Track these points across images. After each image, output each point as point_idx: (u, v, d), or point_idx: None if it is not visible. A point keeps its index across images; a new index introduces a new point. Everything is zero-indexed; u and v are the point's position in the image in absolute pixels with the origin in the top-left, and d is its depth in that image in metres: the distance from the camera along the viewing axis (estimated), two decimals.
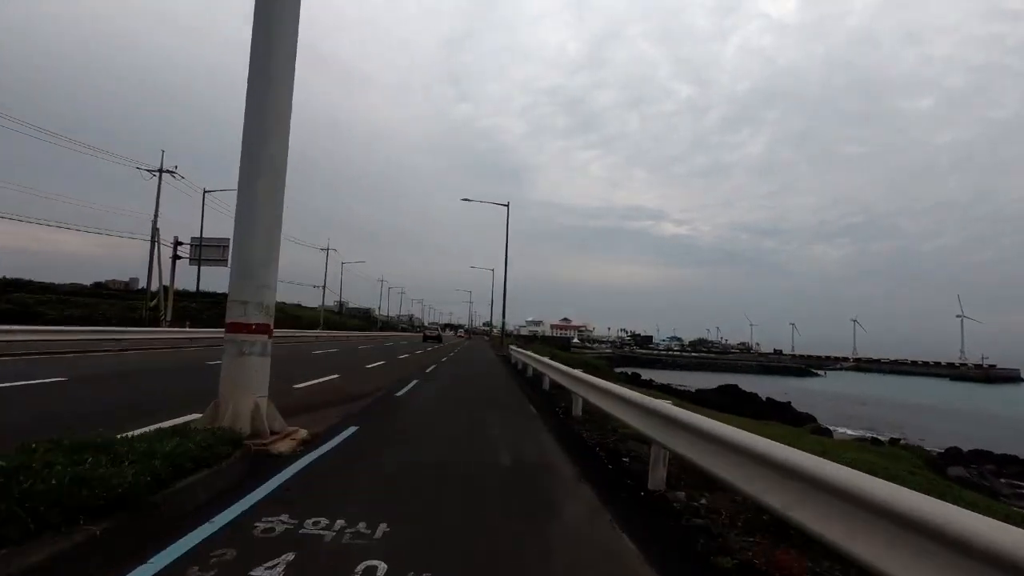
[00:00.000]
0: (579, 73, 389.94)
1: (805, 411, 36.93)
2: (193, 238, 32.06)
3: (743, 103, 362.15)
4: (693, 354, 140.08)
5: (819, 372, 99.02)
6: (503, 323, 36.99)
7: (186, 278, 36.24)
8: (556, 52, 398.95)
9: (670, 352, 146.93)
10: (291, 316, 56.29)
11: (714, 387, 52.29)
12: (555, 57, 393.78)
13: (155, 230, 31.20)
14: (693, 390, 51.66)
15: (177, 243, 31.61)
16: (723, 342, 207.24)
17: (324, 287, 61.16)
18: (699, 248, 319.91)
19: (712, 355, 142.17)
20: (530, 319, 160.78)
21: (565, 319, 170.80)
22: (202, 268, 34.20)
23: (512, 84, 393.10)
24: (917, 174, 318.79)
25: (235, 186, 6.15)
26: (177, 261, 32.11)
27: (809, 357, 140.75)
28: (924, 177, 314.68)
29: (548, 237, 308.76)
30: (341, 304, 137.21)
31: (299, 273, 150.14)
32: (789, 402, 37.94)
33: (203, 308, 40.81)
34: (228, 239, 32.98)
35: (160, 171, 31.57)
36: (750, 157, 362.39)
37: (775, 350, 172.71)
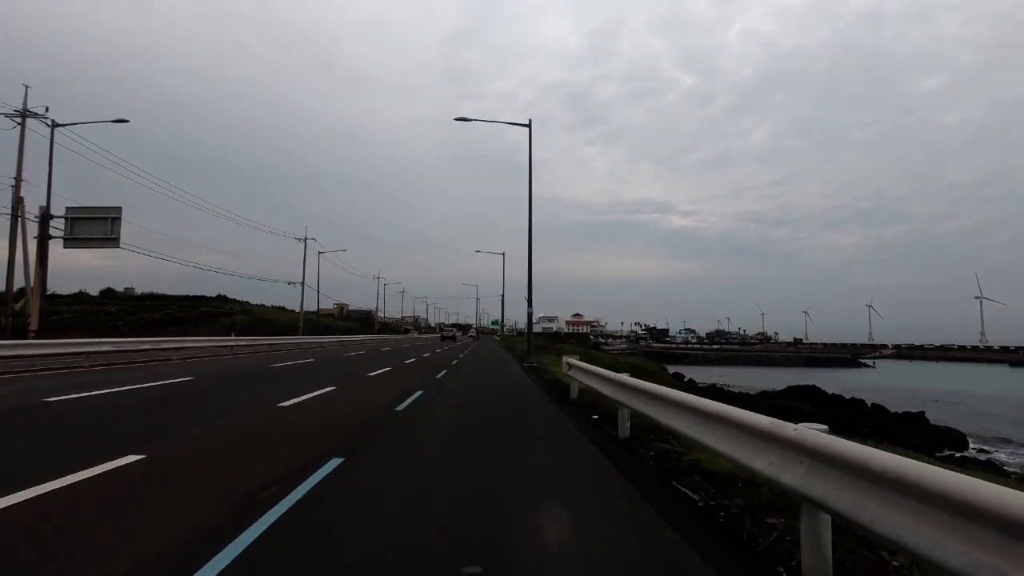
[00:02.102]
0: (581, 67, 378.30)
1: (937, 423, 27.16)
2: (68, 208, 22.11)
3: (747, 90, 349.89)
4: (715, 347, 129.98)
5: (868, 363, 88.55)
6: (529, 314, 25.14)
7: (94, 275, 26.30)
8: (558, 46, 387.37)
9: (689, 344, 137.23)
10: (260, 320, 46.69)
11: (782, 388, 42.32)
12: (557, 52, 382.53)
13: (17, 201, 21.47)
14: (754, 393, 41.77)
15: (47, 216, 21.77)
16: (741, 333, 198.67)
17: (303, 284, 51.52)
18: (707, 239, 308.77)
19: (735, 347, 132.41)
20: (542, 315, 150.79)
21: (577, 315, 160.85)
22: (83, 252, 24.25)
23: (515, 80, 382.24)
24: (927, 156, 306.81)
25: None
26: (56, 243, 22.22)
27: (843, 346, 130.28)
28: (935, 159, 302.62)
29: (554, 234, 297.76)
30: (341, 307, 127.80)
31: (292, 274, 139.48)
32: (922, 412, 27.76)
33: (125, 312, 30.99)
34: (118, 208, 23.05)
35: (23, 114, 21.87)
36: (756, 145, 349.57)
37: (795, 339, 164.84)
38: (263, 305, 66.30)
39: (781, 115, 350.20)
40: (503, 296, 60.91)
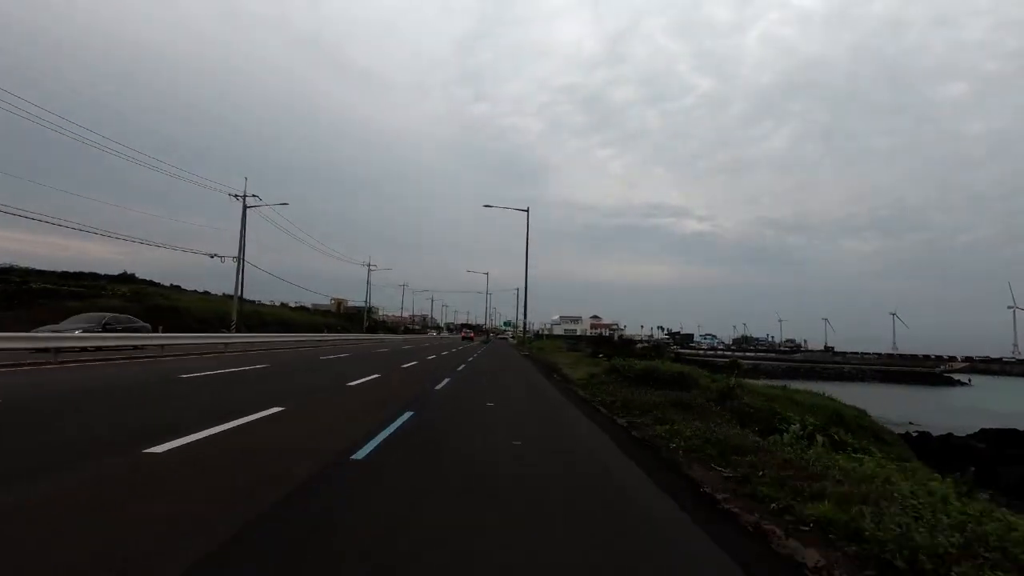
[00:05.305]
0: (597, 70, 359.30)
1: None
2: None
3: (766, 96, 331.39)
4: (750, 354, 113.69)
5: (962, 379, 72.11)
6: None
7: None
8: (573, 49, 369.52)
9: (716, 351, 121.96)
10: (153, 308, 31.67)
11: (971, 432, 26.64)
12: (572, 54, 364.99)
13: None
14: (910, 433, 26.09)
15: None
16: (769, 339, 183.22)
17: (240, 259, 36.62)
18: (722, 245, 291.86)
19: (771, 355, 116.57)
20: (562, 315, 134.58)
21: (595, 317, 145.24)
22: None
23: (528, 83, 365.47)
24: (949, 166, 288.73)
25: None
26: None
27: (901, 356, 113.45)
28: (956, 169, 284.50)
29: (567, 237, 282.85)
30: (339, 303, 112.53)
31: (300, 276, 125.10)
32: None
33: None
34: None
35: None
36: (774, 151, 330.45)
37: (826, 347, 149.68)
38: (208, 293, 51.23)
39: (800, 121, 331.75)
40: (525, 285, 44.44)
